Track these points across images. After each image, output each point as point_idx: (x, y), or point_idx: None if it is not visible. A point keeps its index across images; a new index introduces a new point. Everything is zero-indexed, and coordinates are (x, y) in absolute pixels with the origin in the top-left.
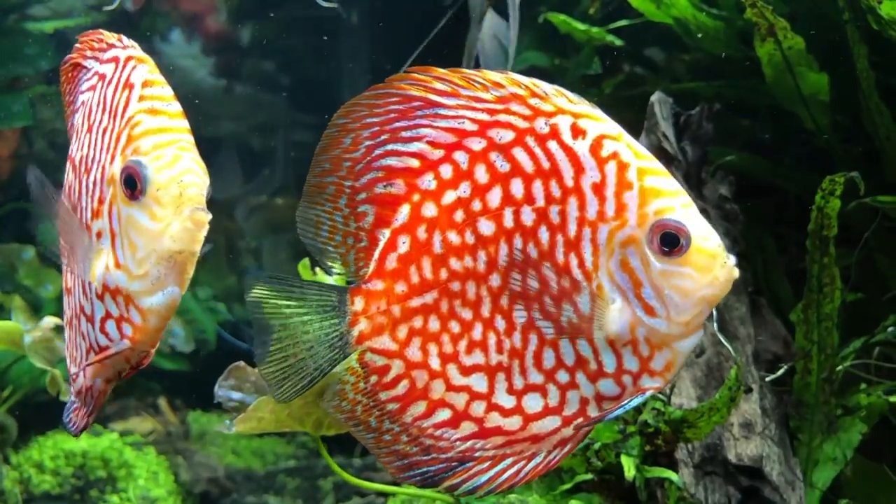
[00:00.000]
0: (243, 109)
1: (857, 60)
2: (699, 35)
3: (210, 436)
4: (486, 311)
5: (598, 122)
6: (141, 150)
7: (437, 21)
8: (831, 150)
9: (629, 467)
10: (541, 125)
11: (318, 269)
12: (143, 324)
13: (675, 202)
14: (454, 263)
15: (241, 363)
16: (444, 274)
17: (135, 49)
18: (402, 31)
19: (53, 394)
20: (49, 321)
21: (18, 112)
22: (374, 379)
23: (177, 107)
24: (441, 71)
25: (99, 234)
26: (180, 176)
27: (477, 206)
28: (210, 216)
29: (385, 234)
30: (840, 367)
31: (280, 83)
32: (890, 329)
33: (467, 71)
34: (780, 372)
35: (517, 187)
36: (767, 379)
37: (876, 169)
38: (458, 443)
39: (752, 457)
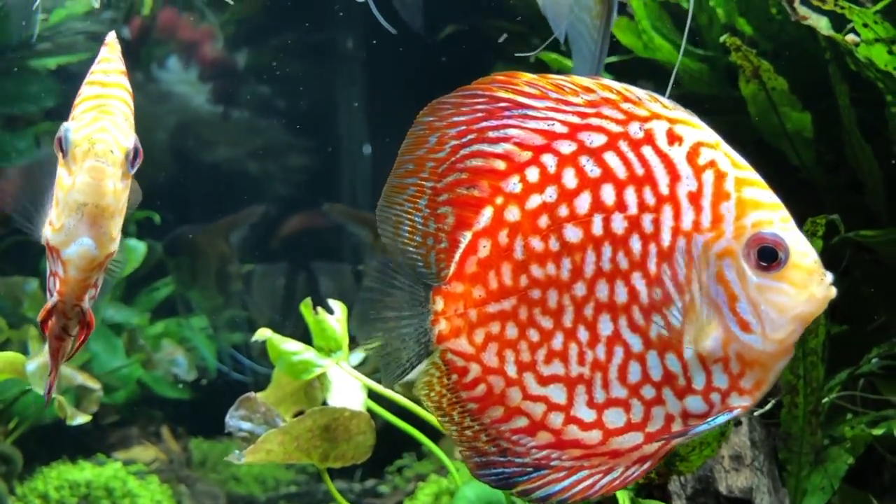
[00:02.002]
0: (240, 135)
1: (839, 98)
2: (685, 76)
3: (212, 462)
4: (567, 320)
5: (695, 129)
6: (74, 115)
7: (431, 48)
8: (816, 183)
9: (624, 499)
10: (635, 130)
11: (319, 309)
12: (65, 276)
13: (773, 215)
14: (535, 270)
15: (252, 394)
16: (524, 280)
17: (110, 36)
18: (397, 59)
19: (63, 417)
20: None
21: (23, 149)
22: (454, 377)
23: (115, 78)
24: (529, 75)
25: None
26: (92, 134)
27: (563, 211)
28: (115, 171)
29: (466, 237)
30: (826, 400)
31: (277, 109)
32: (874, 360)
33: (555, 76)
34: (768, 406)
35: (608, 193)
36: (756, 413)
37: (859, 201)
38: (534, 450)
39: (743, 488)
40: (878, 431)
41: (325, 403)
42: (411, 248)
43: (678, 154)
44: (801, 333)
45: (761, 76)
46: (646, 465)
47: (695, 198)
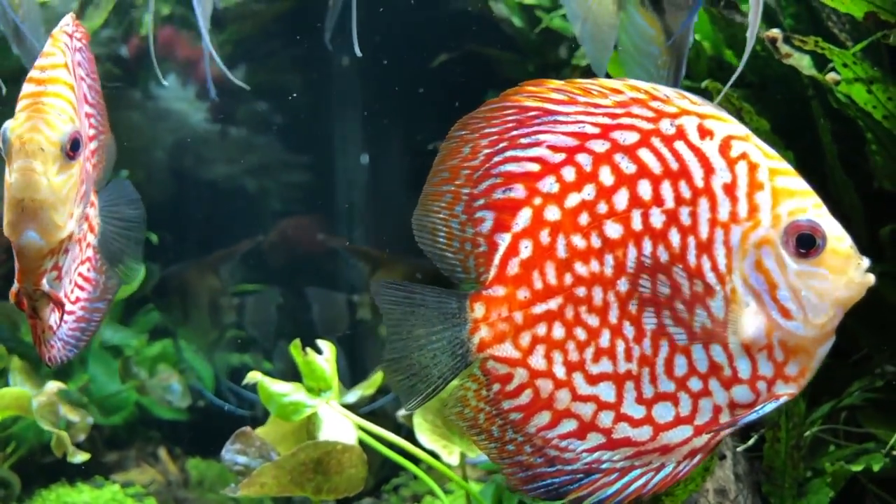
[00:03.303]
0: (237, 152)
1: (821, 134)
2: None
3: (209, 483)
4: (613, 317)
5: (725, 123)
6: (15, 113)
7: (431, 63)
8: None
9: None
10: (666, 126)
11: (308, 350)
12: (20, 265)
13: (807, 202)
14: (579, 268)
15: (248, 428)
16: (568, 279)
17: (60, 24)
18: (394, 74)
19: (59, 455)
20: (52, 386)
21: None
22: (496, 387)
23: (52, 73)
24: (556, 82)
25: None
26: (24, 132)
27: (603, 208)
28: (47, 167)
29: (505, 239)
30: (808, 433)
31: (274, 126)
32: (856, 393)
33: (582, 80)
34: (752, 441)
35: (645, 189)
36: (739, 449)
37: None
38: (584, 454)
39: None
40: (857, 467)
41: None
42: (450, 254)
43: (710, 148)
44: (841, 318)
45: (743, 118)
46: (696, 460)
47: (730, 189)
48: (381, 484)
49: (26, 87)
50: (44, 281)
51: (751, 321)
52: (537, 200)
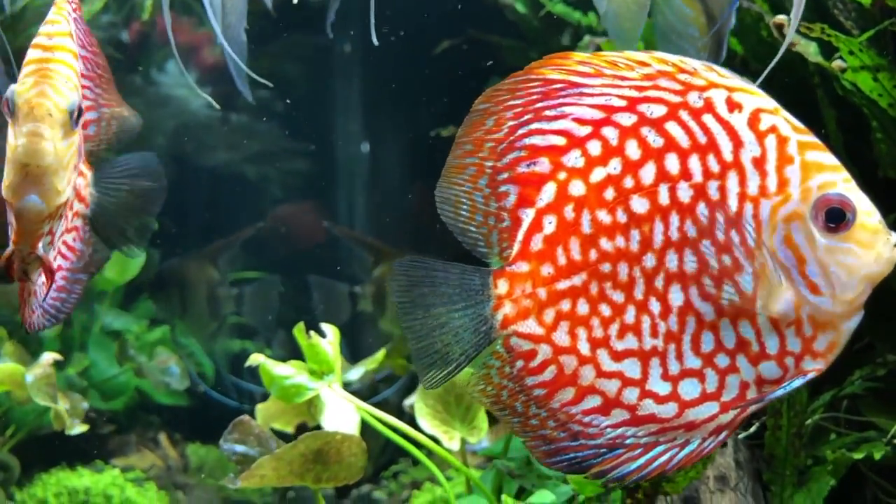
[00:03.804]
0: (238, 139)
1: (826, 122)
2: None
3: (209, 468)
4: (639, 293)
5: (754, 96)
6: (20, 78)
7: (432, 52)
8: None
9: None
10: (694, 99)
11: (312, 332)
12: (18, 227)
13: (837, 177)
14: (605, 243)
15: (246, 417)
16: (593, 254)
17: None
18: (396, 62)
19: (59, 429)
20: (48, 357)
21: None
22: (519, 364)
23: (58, 41)
24: (582, 55)
25: None
26: (32, 98)
27: (629, 182)
28: (54, 132)
29: (529, 214)
30: (809, 421)
31: (274, 114)
32: (857, 382)
33: (608, 53)
34: (753, 429)
35: (672, 162)
36: (741, 436)
37: None
38: (608, 430)
39: None
40: (858, 455)
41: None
42: (472, 228)
43: (739, 121)
44: (869, 293)
45: None
46: (721, 436)
47: (759, 163)
48: (380, 471)
49: (33, 52)
50: (39, 245)
51: (780, 296)
52: (562, 175)
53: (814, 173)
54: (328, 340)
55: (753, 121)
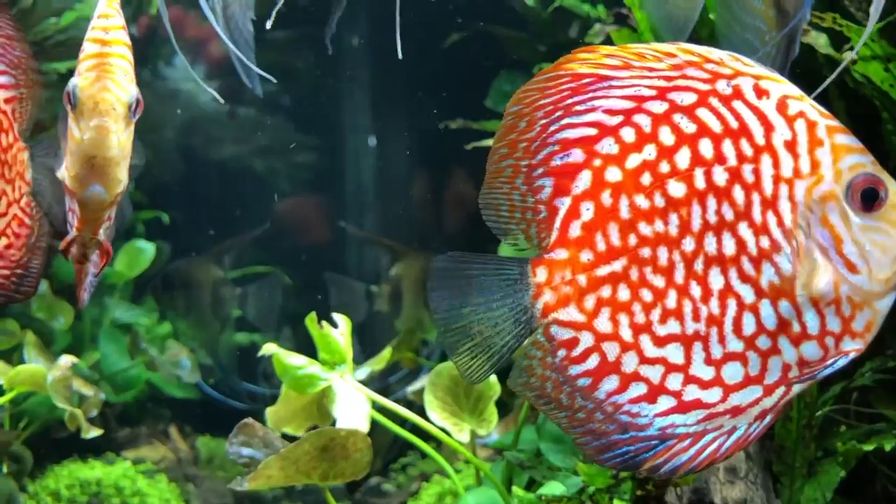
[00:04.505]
0: (246, 132)
1: (836, 115)
2: None
3: (219, 461)
4: (679, 277)
5: (780, 84)
6: (80, 72)
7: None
8: None
9: None
10: (722, 86)
11: (324, 323)
12: (81, 214)
13: (866, 159)
14: (643, 228)
15: (250, 420)
16: (632, 240)
17: None
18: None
19: (73, 429)
20: (66, 360)
21: None
22: (562, 353)
23: (115, 35)
24: (609, 48)
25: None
26: (96, 93)
27: (665, 167)
28: (118, 125)
29: (565, 203)
30: (819, 413)
31: (282, 107)
32: (867, 374)
33: (635, 45)
34: None
35: (706, 147)
36: None
37: None
38: (657, 419)
39: (737, 500)
40: (869, 447)
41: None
42: (513, 226)
43: (768, 106)
44: None
45: None
46: (766, 420)
47: (791, 146)
48: (389, 464)
49: (90, 47)
50: (101, 230)
51: (819, 275)
52: (597, 162)
53: (844, 155)
54: (340, 331)
55: (781, 106)
